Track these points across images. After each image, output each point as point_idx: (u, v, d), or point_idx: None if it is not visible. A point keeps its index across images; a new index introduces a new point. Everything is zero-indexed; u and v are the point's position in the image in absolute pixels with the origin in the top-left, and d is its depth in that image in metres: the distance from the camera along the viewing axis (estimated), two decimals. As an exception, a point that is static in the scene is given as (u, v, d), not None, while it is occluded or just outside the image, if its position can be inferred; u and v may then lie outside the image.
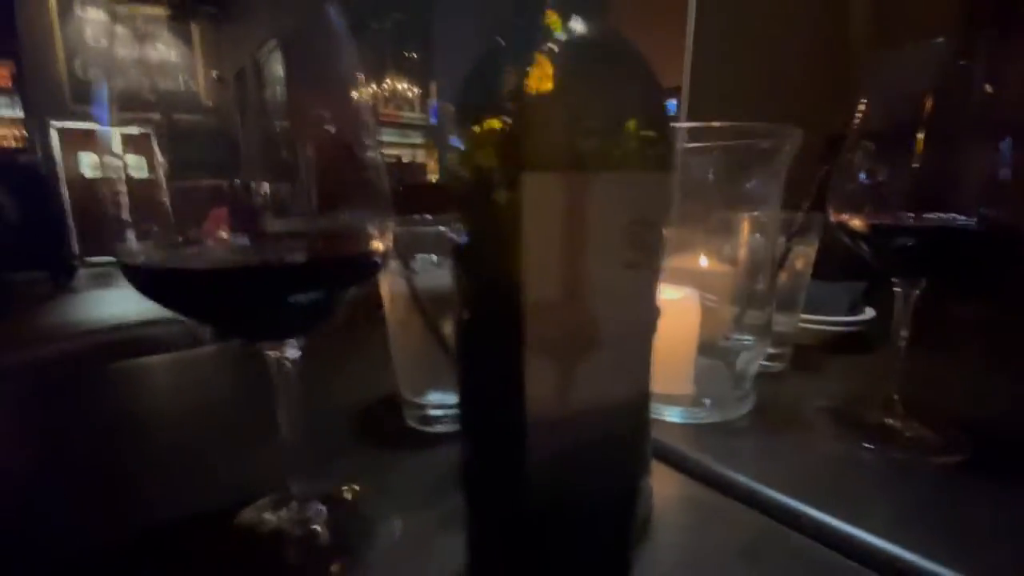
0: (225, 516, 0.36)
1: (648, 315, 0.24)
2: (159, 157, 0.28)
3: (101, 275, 5.17)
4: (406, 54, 7.71)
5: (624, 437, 0.25)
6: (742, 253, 0.50)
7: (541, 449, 0.23)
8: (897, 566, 0.33)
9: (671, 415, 0.50)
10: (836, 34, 1.05)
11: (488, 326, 0.24)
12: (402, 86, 7.93)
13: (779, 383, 0.59)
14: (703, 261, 0.51)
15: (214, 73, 0.30)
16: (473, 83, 0.23)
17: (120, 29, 0.27)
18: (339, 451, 0.46)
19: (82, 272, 5.44)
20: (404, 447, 0.46)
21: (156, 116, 0.28)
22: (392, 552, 0.34)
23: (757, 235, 0.50)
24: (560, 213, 0.20)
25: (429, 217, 0.46)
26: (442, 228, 0.45)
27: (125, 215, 0.28)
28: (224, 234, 0.29)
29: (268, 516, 0.36)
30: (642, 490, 0.35)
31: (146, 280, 0.29)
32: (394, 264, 0.43)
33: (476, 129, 0.22)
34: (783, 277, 0.58)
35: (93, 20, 5.79)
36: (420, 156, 8.32)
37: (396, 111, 7.98)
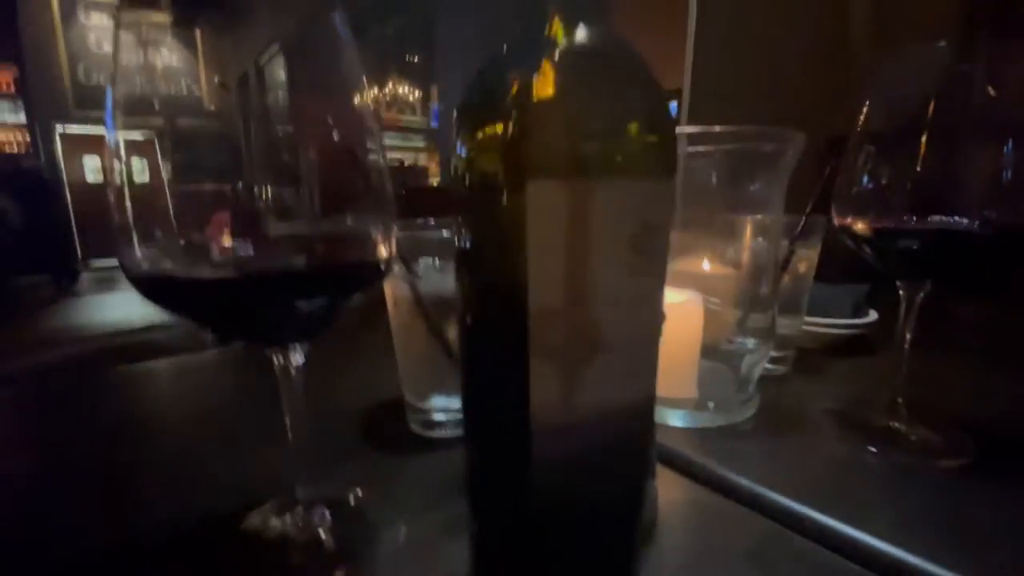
0: (230, 520, 0.36)
1: (653, 320, 0.24)
2: (163, 162, 0.28)
3: (104, 279, 5.19)
4: (407, 58, 7.73)
5: (629, 441, 0.25)
6: (745, 256, 0.50)
7: (546, 454, 0.23)
8: (901, 569, 0.33)
9: (675, 419, 0.50)
10: (836, 35, 1.05)
11: (492, 331, 0.24)
12: (403, 90, 7.95)
13: (782, 386, 0.59)
14: (706, 264, 0.51)
15: (217, 78, 0.30)
16: (477, 88, 0.23)
17: (123, 35, 0.27)
18: (343, 455, 0.46)
19: (85, 276, 5.46)
20: (407, 452, 0.46)
21: (159, 121, 0.28)
22: (397, 558, 0.34)
23: (760, 238, 0.50)
24: (565, 220, 0.20)
25: (432, 221, 0.46)
26: (445, 232, 0.45)
27: (129, 220, 0.28)
28: (228, 239, 0.29)
29: (274, 521, 0.36)
30: (647, 494, 0.35)
31: (153, 287, 0.29)
32: (398, 268, 0.43)
33: (479, 134, 0.22)
34: (786, 280, 0.58)
35: (96, 25, 5.83)
36: (422, 160, 8.34)
37: (398, 115, 8.00)
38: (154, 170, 0.28)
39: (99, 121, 0.28)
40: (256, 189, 0.30)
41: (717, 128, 0.43)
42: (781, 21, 1.03)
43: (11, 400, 0.63)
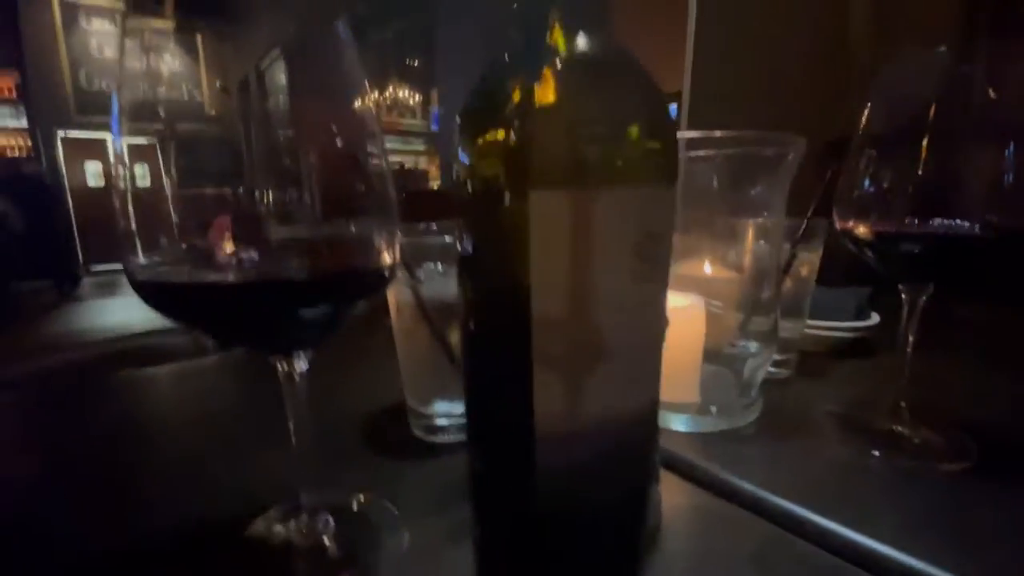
0: (234, 526, 0.37)
1: (656, 326, 0.24)
2: (164, 167, 0.28)
3: (105, 284, 5.20)
4: (407, 62, 7.75)
5: (633, 447, 0.25)
6: (747, 260, 0.50)
7: (550, 460, 0.23)
8: (904, 573, 0.33)
9: (677, 423, 0.50)
10: (836, 36, 1.05)
11: (495, 337, 0.24)
12: (403, 93, 7.97)
13: (785, 389, 0.59)
14: (708, 268, 0.51)
15: (218, 83, 0.30)
16: (479, 95, 0.24)
17: (129, 41, 0.28)
18: (346, 461, 0.46)
19: (86, 281, 5.47)
20: (410, 457, 0.46)
21: (161, 126, 0.28)
22: (400, 564, 0.34)
23: (762, 241, 0.50)
24: (568, 228, 0.21)
25: (434, 226, 0.46)
26: (447, 238, 0.45)
27: (131, 225, 0.28)
28: (231, 245, 0.29)
29: (278, 527, 0.36)
30: (651, 499, 0.35)
31: (160, 295, 0.29)
32: (400, 273, 0.44)
33: (482, 141, 0.22)
34: (788, 283, 0.58)
35: (97, 31, 5.85)
36: (422, 163, 8.36)
37: (398, 118, 8.02)
38: (160, 176, 0.28)
39: (100, 126, 0.28)
40: (260, 194, 0.30)
41: (718, 133, 0.43)
42: (781, 22, 1.03)
43: (13, 405, 0.64)
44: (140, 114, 0.28)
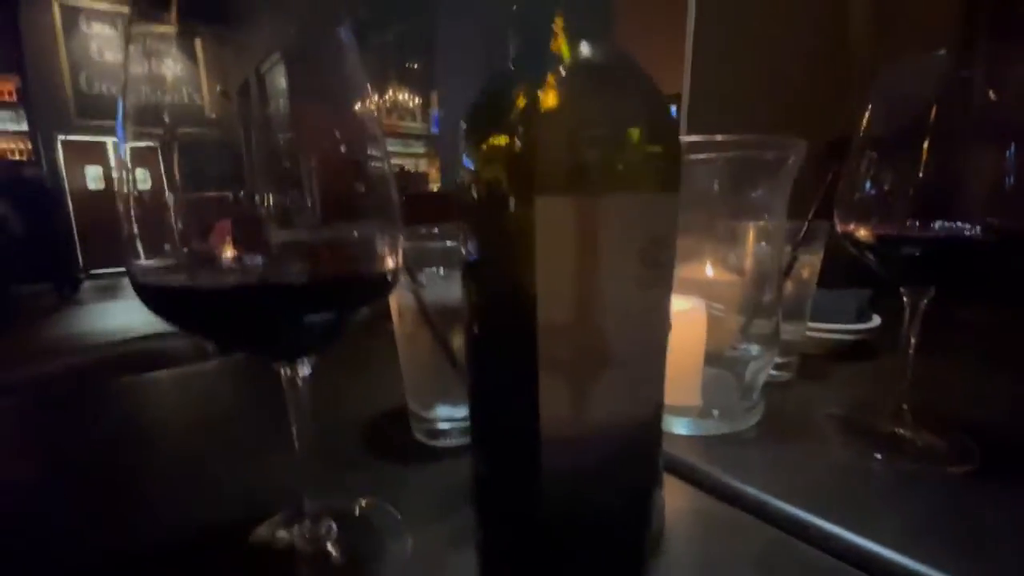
0: (237, 532, 0.36)
1: (661, 331, 0.24)
2: (166, 171, 0.28)
3: (105, 288, 5.20)
4: (407, 64, 7.76)
5: (637, 452, 0.25)
6: (748, 262, 0.50)
7: (555, 465, 0.23)
8: (907, 577, 0.33)
9: (679, 427, 0.50)
10: (836, 37, 1.05)
11: (500, 342, 0.24)
12: (403, 96, 7.98)
13: (787, 392, 0.59)
14: (709, 271, 0.51)
15: (218, 87, 0.30)
16: (483, 102, 0.24)
17: (133, 47, 0.28)
18: (348, 465, 0.46)
19: (86, 284, 5.47)
20: (412, 462, 0.46)
21: (161, 130, 0.28)
22: (404, 569, 0.34)
23: (763, 244, 0.50)
24: (573, 234, 0.21)
25: (436, 230, 0.46)
26: (449, 242, 0.45)
27: (133, 229, 0.28)
28: (233, 250, 0.29)
29: (281, 533, 0.36)
30: (655, 503, 0.35)
31: (159, 300, 0.29)
32: (402, 278, 0.43)
33: (486, 147, 0.22)
34: (789, 286, 0.58)
35: (98, 34, 5.86)
36: (422, 165, 8.37)
37: (398, 121, 8.04)
38: (165, 180, 0.28)
39: (101, 130, 0.28)
40: (263, 199, 0.30)
41: (719, 137, 0.43)
42: (781, 23, 1.03)
43: (13, 409, 0.63)
44: (143, 119, 0.28)
